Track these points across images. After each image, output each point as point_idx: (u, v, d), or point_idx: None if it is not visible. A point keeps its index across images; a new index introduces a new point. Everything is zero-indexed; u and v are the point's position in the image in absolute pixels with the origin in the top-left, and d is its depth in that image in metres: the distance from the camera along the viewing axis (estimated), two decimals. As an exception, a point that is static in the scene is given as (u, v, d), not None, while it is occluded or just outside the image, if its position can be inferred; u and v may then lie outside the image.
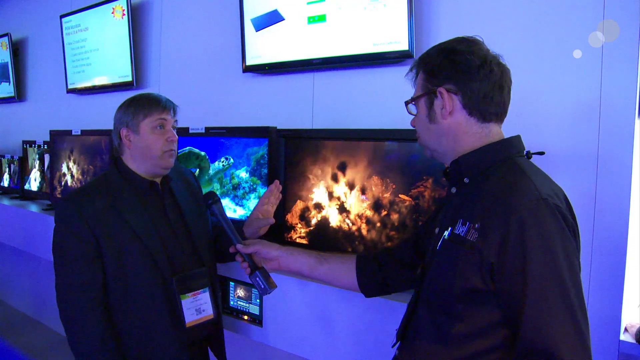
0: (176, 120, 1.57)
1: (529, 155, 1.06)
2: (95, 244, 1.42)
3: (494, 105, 1.03)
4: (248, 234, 1.62)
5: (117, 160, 1.57)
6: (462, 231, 0.97)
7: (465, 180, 1.05)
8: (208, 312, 1.57)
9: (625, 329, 1.49)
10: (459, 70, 1.01)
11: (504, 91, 1.03)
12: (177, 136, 1.55)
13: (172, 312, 1.49)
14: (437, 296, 1.02)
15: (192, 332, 1.53)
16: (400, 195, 1.60)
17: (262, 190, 2.00)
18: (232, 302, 1.93)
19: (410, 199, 1.59)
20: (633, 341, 1.44)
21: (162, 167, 1.53)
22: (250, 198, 2.07)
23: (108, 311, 1.44)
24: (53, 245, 1.47)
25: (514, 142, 1.05)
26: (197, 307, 1.54)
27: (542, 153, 1.08)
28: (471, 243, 0.94)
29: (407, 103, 1.13)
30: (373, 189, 1.66)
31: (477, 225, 0.94)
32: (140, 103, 1.52)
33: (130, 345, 1.46)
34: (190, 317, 1.52)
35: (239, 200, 2.10)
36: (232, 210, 2.10)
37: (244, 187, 2.08)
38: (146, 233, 1.47)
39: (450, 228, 1.01)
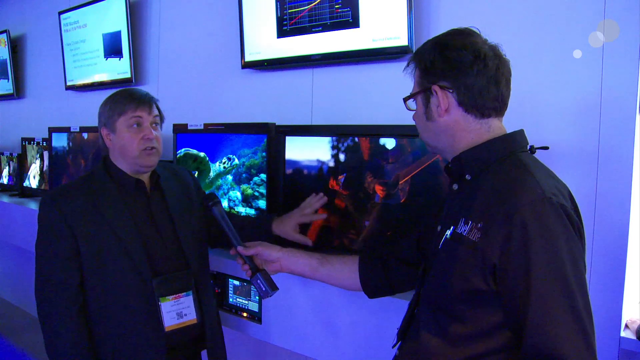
0: (157, 116, 1.51)
1: (532, 150, 1.03)
2: (74, 243, 1.40)
3: (490, 100, 0.99)
4: (280, 229, 1.61)
5: (105, 158, 1.54)
6: (464, 230, 0.95)
7: (467, 177, 1.02)
8: (191, 316, 1.51)
9: (626, 326, 1.48)
10: (452, 66, 0.98)
11: (500, 84, 1.00)
12: (155, 133, 1.48)
13: (150, 315, 1.45)
14: (439, 296, 1.00)
15: (173, 337, 1.48)
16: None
17: (233, 194, 2.03)
18: (230, 300, 1.92)
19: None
20: (634, 337, 1.43)
21: (141, 165, 1.48)
22: (225, 198, 2.09)
23: (84, 312, 1.41)
24: (36, 242, 1.45)
25: (517, 137, 1.02)
26: (178, 310, 1.49)
27: (545, 148, 1.06)
28: (473, 243, 0.91)
29: (405, 99, 1.11)
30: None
31: (479, 224, 0.91)
32: (115, 101, 1.47)
33: (105, 347, 1.43)
34: (171, 321, 1.47)
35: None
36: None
37: (222, 188, 2.11)
38: (126, 233, 1.43)
39: (452, 227, 0.99)
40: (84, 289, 1.42)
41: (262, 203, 1.95)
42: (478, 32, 1.02)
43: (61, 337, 1.39)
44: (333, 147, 1.74)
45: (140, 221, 1.48)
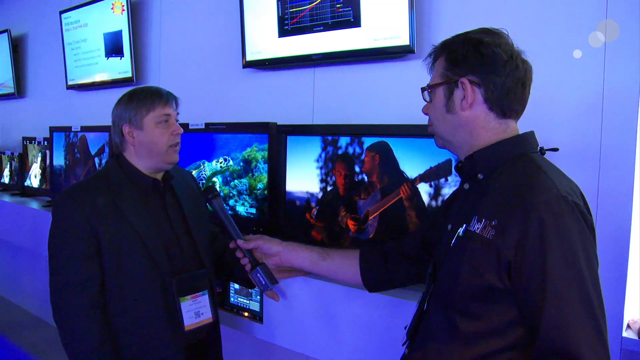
0: (178, 113, 1.52)
1: (542, 151, 1.04)
2: (95, 242, 1.37)
3: (515, 102, 1.01)
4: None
5: (118, 157, 1.52)
6: (478, 228, 0.95)
7: (480, 176, 1.03)
8: (207, 315, 1.51)
9: (628, 326, 1.48)
10: (485, 63, 0.99)
11: (526, 88, 1.02)
12: (181, 129, 1.50)
13: (170, 314, 1.44)
14: (451, 294, 0.99)
15: (191, 336, 1.48)
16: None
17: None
18: (232, 299, 1.92)
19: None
20: (635, 337, 1.43)
21: (167, 162, 1.48)
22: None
23: (105, 312, 1.39)
24: (49, 241, 1.41)
25: (529, 138, 1.03)
26: (196, 310, 1.49)
27: (556, 149, 1.07)
28: (487, 240, 0.92)
29: (423, 89, 1.10)
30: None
31: (494, 222, 0.92)
32: (142, 97, 1.45)
33: (126, 348, 1.41)
34: (190, 320, 1.47)
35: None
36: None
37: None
38: (147, 232, 1.42)
39: (464, 225, 0.99)
40: (104, 290, 1.39)
41: (232, 202, 2.11)
42: (507, 34, 1.02)
43: (84, 341, 1.35)
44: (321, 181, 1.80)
45: (159, 221, 1.48)
